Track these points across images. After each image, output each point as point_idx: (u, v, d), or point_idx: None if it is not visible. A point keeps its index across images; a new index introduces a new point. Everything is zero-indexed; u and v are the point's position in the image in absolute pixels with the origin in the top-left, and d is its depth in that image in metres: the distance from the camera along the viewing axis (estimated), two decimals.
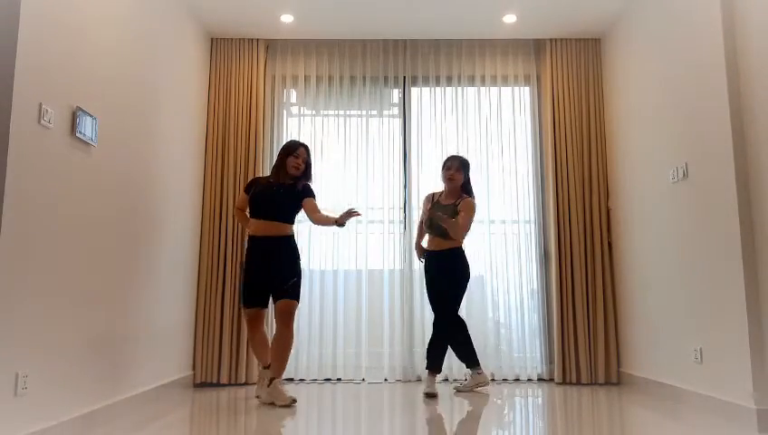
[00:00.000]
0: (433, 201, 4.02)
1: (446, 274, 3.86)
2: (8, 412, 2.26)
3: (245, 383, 4.27)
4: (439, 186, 4.12)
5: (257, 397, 3.66)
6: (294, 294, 3.52)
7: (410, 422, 3.00)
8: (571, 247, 4.41)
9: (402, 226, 4.59)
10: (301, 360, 4.41)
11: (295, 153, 3.64)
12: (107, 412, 2.98)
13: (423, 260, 4.03)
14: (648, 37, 3.95)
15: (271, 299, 3.60)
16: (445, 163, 4.00)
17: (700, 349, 3.30)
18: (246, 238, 3.75)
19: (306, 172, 3.70)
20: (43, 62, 2.48)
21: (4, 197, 2.24)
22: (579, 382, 4.28)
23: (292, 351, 3.59)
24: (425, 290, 4.50)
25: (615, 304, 4.38)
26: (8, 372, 2.27)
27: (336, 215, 3.51)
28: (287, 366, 3.92)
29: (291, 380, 4.40)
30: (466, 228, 3.87)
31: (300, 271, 3.60)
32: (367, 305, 4.49)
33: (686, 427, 2.87)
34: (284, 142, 4.47)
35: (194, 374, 4.27)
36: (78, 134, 2.71)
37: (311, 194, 3.65)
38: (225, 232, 4.40)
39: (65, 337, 2.65)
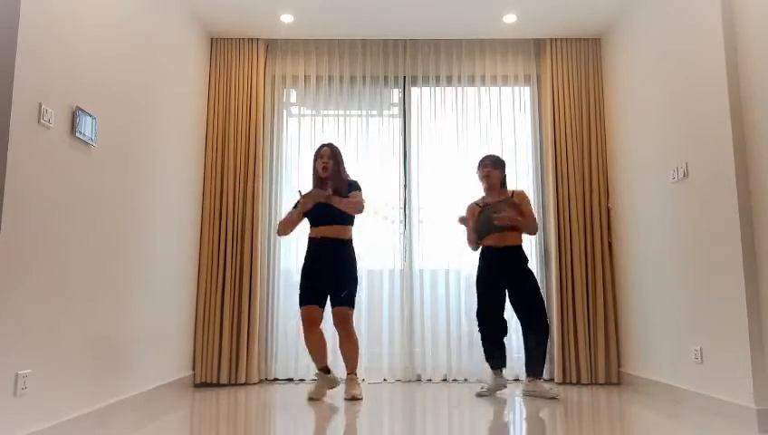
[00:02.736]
0: (480, 206, 3.89)
1: (523, 269, 3.78)
2: (8, 412, 2.26)
3: (245, 383, 4.27)
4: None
5: (310, 399, 3.64)
6: (350, 302, 3.65)
7: (410, 422, 3.00)
8: (571, 247, 4.41)
9: (402, 226, 4.59)
10: (300, 360, 4.41)
11: (319, 154, 3.78)
12: (107, 412, 2.98)
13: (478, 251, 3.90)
14: (648, 37, 3.95)
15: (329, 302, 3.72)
16: (479, 164, 3.98)
17: (700, 349, 3.30)
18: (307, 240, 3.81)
19: (337, 169, 3.75)
20: (43, 63, 2.48)
21: (4, 196, 2.24)
22: (579, 382, 4.28)
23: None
24: (425, 290, 4.52)
25: (615, 304, 4.38)
26: (8, 372, 2.27)
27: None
28: (285, 365, 4.29)
29: (291, 379, 4.41)
30: (535, 218, 3.88)
31: (356, 277, 3.72)
32: (367, 305, 4.49)
33: (686, 427, 2.87)
34: (284, 142, 4.47)
35: (194, 374, 4.27)
36: (78, 134, 2.71)
37: (355, 188, 3.75)
38: (225, 232, 4.40)
39: (65, 337, 2.64)
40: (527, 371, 3.80)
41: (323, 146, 3.82)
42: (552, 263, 4.44)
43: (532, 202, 4.58)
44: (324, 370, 3.74)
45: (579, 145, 4.54)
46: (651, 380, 3.83)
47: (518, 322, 3.86)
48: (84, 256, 2.80)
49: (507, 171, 4.07)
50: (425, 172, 4.65)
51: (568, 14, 4.31)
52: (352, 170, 4.62)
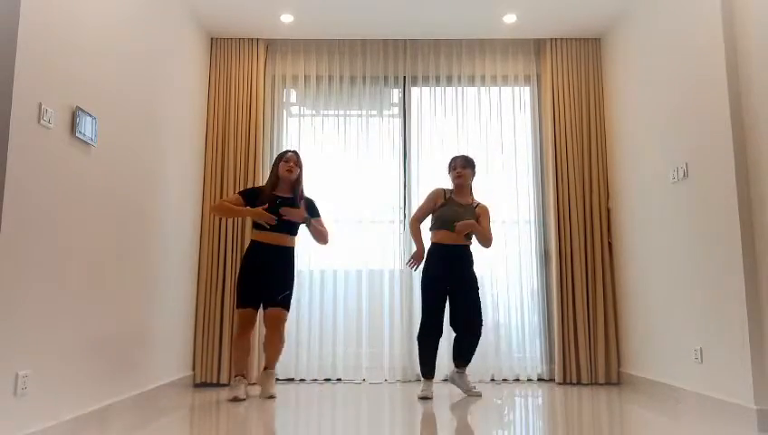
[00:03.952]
0: (446, 198, 3.88)
1: (468, 270, 3.81)
2: (8, 412, 2.26)
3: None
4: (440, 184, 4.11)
5: (228, 399, 3.63)
6: (287, 305, 3.73)
7: (410, 422, 3.00)
8: (571, 247, 4.41)
9: (402, 226, 4.59)
10: (301, 360, 4.41)
11: (285, 157, 3.81)
12: (107, 412, 2.98)
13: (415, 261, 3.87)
14: (648, 37, 3.95)
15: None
16: (451, 163, 3.97)
17: (700, 349, 3.30)
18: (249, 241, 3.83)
19: (299, 177, 3.83)
20: (43, 63, 2.48)
21: (4, 197, 2.24)
22: (579, 382, 4.28)
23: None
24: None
25: (615, 304, 4.38)
26: (8, 372, 2.27)
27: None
28: (285, 365, 4.32)
29: (291, 380, 4.41)
30: (491, 235, 3.87)
31: (293, 283, 3.80)
32: (367, 306, 4.49)
33: (686, 427, 2.87)
34: (284, 142, 4.47)
35: (194, 374, 4.27)
36: (78, 134, 2.71)
37: (316, 211, 3.87)
38: (225, 232, 4.40)
39: (65, 337, 2.64)
40: (462, 360, 3.82)
41: (289, 151, 3.85)
42: (552, 263, 4.44)
43: (531, 202, 4.61)
44: (243, 376, 3.73)
45: (579, 145, 4.54)
46: (651, 380, 3.83)
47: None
48: (84, 256, 2.80)
49: (507, 171, 4.08)
50: (425, 172, 4.64)
51: (568, 14, 4.31)
52: (352, 170, 4.63)
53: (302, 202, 3.82)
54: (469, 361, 3.86)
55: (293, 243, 3.81)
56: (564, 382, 4.28)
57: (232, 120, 4.55)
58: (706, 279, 3.25)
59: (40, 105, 2.45)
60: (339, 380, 4.40)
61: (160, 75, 3.71)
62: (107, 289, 3.02)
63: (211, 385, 4.26)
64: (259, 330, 4.37)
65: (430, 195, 3.92)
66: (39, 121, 2.45)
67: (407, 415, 3.18)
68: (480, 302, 3.81)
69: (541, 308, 4.51)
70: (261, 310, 3.78)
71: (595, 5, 4.19)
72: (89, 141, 2.81)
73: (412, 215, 3.97)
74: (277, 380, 4.41)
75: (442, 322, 3.77)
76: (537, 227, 4.60)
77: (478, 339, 3.80)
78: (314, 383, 4.30)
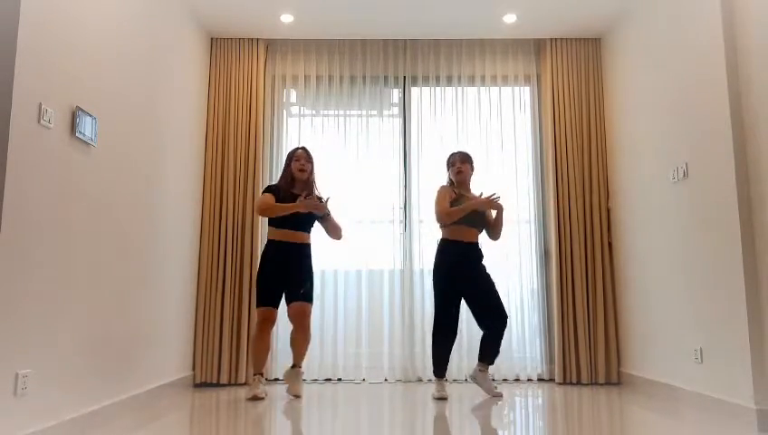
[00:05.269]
0: (456, 194, 3.84)
1: (483, 268, 3.82)
2: (8, 412, 2.26)
3: (245, 383, 4.27)
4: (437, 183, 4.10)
5: (248, 398, 3.65)
6: (310, 298, 3.77)
7: (412, 421, 3.00)
8: (571, 247, 4.41)
9: (402, 226, 4.59)
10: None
11: (296, 156, 3.82)
12: (107, 412, 2.98)
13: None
14: (647, 37, 3.95)
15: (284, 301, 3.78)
16: (449, 159, 3.97)
17: (700, 349, 3.30)
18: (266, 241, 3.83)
19: (311, 174, 3.86)
20: (42, 62, 2.48)
21: (4, 197, 2.24)
22: (579, 382, 4.28)
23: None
24: (426, 290, 4.51)
25: (615, 304, 4.38)
26: (8, 372, 2.27)
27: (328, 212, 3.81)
28: (285, 365, 4.29)
29: None
30: None
31: (313, 276, 3.84)
32: (367, 305, 4.49)
33: (686, 427, 2.87)
34: (284, 142, 4.46)
35: (194, 374, 4.27)
36: (78, 134, 2.71)
37: (328, 209, 3.87)
38: (225, 232, 4.40)
39: (65, 337, 2.64)
40: (486, 359, 3.78)
41: (299, 148, 3.86)
42: (552, 263, 4.44)
43: (531, 202, 4.61)
44: (262, 374, 3.75)
45: (579, 145, 4.54)
46: (651, 380, 3.83)
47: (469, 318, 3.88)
48: (84, 256, 2.80)
49: (507, 171, 4.08)
50: (425, 172, 4.64)
51: (568, 14, 4.31)
52: (352, 170, 4.63)
53: (314, 197, 3.79)
54: (496, 355, 3.79)
55: (310, 239, 3.84)
56: (564, 382, 4.28)
57: (232, 120, 4.55)
58: (706, 279, 3.25)
59: (40, 105, 2.45)
60: (339, 380, 4.40)
61: (160, 75, 3.71)
62: (107, 289, 3.02)
63: (211, 385, 4.26)
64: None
65: (442, 192, 3.82)
66: (39, 121, 2.45)
67: (408, 414, 3.18)
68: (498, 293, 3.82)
69: (541, 308, 4.51)
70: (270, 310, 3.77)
71: (595, 5, 4.19)
72: (89, 141, 2.82)
73: (439, 211, 3.75)
74: (277, 380, 4.41)
75: (458, 320, 3.77)
76: (537, 226, 4.60)
77: (506, 325, 3.76)
78: (314, 383, 4.30)
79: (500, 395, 3.76)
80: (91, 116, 2.83)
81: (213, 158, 4.51)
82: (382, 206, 4.61)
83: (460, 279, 3.74)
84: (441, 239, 3.85)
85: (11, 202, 2.28)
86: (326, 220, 3.83)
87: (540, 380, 4.42)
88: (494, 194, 3.74)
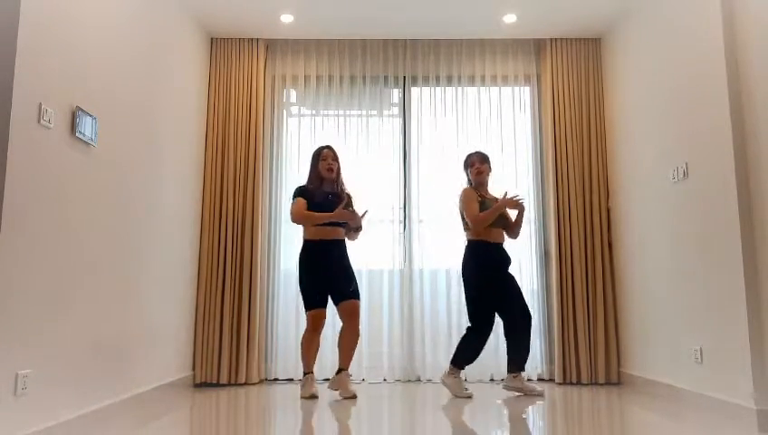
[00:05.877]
0: (480, 196, 3.86)
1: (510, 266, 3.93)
2: (8, 412, 2.26)
3: (245, 383, 4.27)
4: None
5: (312, 397, 3.67)
6: (358, 295, 3.81)
7: (409, 422, 3.00)
8: (571, 247, 4.41)
9: (402, 226, 4.59)
10: (301, 360, 4.40)
11: (322, 155, 3.85)
12: (107, 412, 2.98)
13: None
14: (647, 37, 3.95)
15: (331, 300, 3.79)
16: (467, 160, 3.98)
17: (700, 349, 3.30)
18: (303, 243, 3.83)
19: (339, 172, 3.90)
20: (42, 63, 2.48)
21: (4, 197, 2.24)
22: (579, 382, 4.28)
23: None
24: (425, 290, 4.51)
25: (615, 304, 4.38)
26: (8, 372, 2.27)
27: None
28: (285, 365, 4.42)
29: (291, 380, 4.41)
30: None
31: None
32: (367, 305, 4.49)
33: (686, 427, 2.87)
34: (284, 142, 4.45)
35: (194, 374, 4.27)
36: (78, 134, 2.71)
37: (352, 204, 3.92)
38: (225, 232, 4.40)
39: (65, 337, 2.65)
40: (516, 366, 3.79)
41: (324, 148, 3.88)
42: (552, 263, 4.44)
43: (531, 202, 4.62)
44: (312, 373, 3.77)
45: (579, 145, 4.54)
46: (651, 380, 3.83)
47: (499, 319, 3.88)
48: (84, 256, 2.80)
49: (507, 171, 4.08)
50: (425, 172, 4.64)
51: (568, 14, 4.31)
52: (352, 170, 4.63)
53: (347, 197, 3.86)
54: (521, 362, 3.80)
55: (344, 235, 3.88)
56: (564, 382, 4.28)
57: (232, 120, 4.55)
58: (706, 279, 3.25)
59: (40, 105, 2.45)
60: None
61: (161, 75, 3.71)
62: (107, 289, 3.02)
63: (211, 385, 4.26)
64: (261, 330, 4.37)
65: (469, 195, 3.83)
66: (39, 121, 2.45)
67: (406, 414, 3.18)
68: None
69: (541, 308, 4.51)
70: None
71: (595, 5, 4.19)
72: (89, 141, 2.82)
73: (473, 219, 3.75)
74: (276, 380, 4.41)
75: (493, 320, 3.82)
76: (537, 226, 4.60)
77: (531, 324, 3.85)
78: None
79: (540, 393, 3.81)
80: (90, 116, 2.83)
81: (213, 158, 4.51)
82: (382, 206, 4.61)
83: (500, 279, 3.81)
84: (476, 241, 3.82)
85: (11, 202, 2.28)
86: (356, 232, 3.86)
87: (540, 380, 4.42)
88: (518, 195, 3.81)
